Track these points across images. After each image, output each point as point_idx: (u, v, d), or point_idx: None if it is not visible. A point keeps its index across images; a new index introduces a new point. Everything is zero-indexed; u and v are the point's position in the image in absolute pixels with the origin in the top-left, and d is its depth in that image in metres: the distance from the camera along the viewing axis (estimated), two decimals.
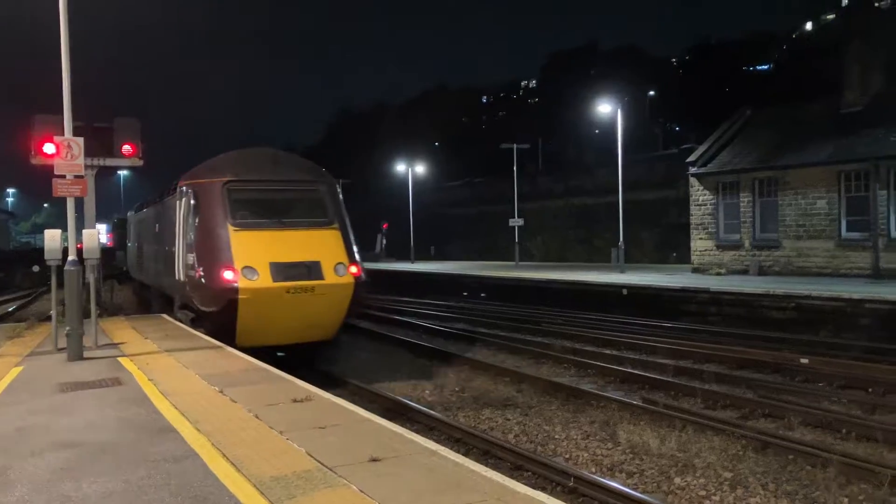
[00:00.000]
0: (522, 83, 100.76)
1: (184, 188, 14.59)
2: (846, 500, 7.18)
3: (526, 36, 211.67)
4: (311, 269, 12.98)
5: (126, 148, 19.61)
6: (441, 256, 56.89)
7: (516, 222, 41.18)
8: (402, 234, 53.69)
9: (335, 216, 13.96)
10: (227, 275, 12.63)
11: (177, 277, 15.19)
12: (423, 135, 73.17)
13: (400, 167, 55.15)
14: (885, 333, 16.50)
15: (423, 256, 54.85)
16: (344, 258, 13.45)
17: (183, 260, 14.51)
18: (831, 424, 9.62)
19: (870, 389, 11.65)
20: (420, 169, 55.14)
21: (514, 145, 41.97)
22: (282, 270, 12.76)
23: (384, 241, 59.31)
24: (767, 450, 8.65)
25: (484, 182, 59.91)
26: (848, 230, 24.43)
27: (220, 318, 13.14)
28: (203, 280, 13.15)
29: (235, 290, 12.55)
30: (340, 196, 14.65)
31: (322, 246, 13.38)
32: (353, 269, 13.48)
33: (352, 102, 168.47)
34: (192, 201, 14.01)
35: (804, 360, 13.69)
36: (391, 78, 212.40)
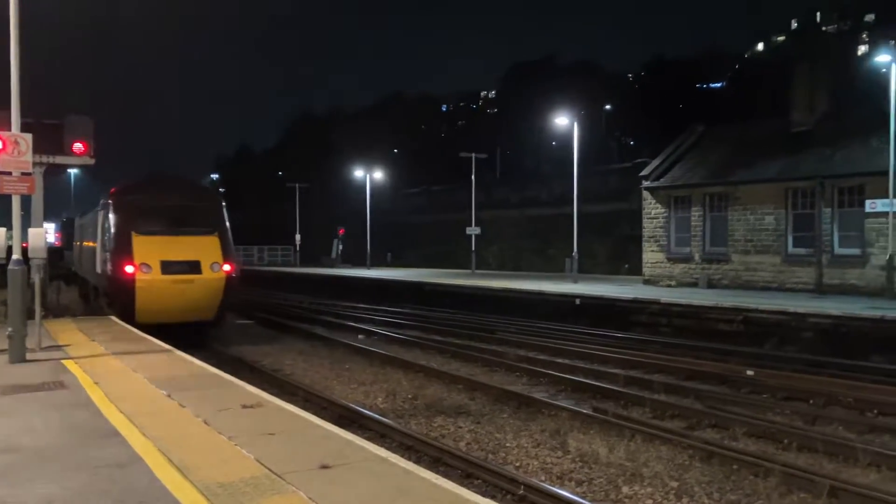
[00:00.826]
0: (482, 93, 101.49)
1: (105, 202, 18.84)
2: None
3: (486, 46, 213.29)
4: (191, 266, 17.12)
5: (77, 146, 19.12)
6: (398, 263, 56.76)
7: (473, 231, 41.33)
8: (359, 241, 53.48)
9: (215, 226, 18.07)
10: (129, 269, 16.66)
11: (98, 270, 19.21)
12: (381, 141, 73.06)
13: (358, 173, 54.95)
14: (826, 347, 17.00)
15: (380, 263, 54.66)
16: (219, 258, 17.52)
17: (101, 257, 18.62)
18: (774, 435, 9.85)
19: (811, 401, 11.97)
20: (378, 175, 55.01)
21: (473, 154, 42.17)
22: (169, 266, 16.85)
23: (340, 247, 58.98)
24: (713, 459, 8.82)
25: (442, 190, 60.02)
26: (794, 246, 25.11)
27: (123, 301, 17.15)
28: (112, 273, 17.19)
29: (133, 281, 16.62)
30: (224, 211, 18.85)
31: (202, 248, 17.46)
32: (227, 267, 17.63)
33: (310, 106, 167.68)
34: (109, 213, 17.97)
35: (750, 372, 14.01)
36: (350, 82, 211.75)
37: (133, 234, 17.08)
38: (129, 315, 16.98)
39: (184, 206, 18.23)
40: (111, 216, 17.81)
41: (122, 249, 16.99)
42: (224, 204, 19.26)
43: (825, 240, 23.95)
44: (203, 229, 17.82)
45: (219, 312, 18.23)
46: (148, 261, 16.74)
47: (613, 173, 45.24)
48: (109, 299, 18.67)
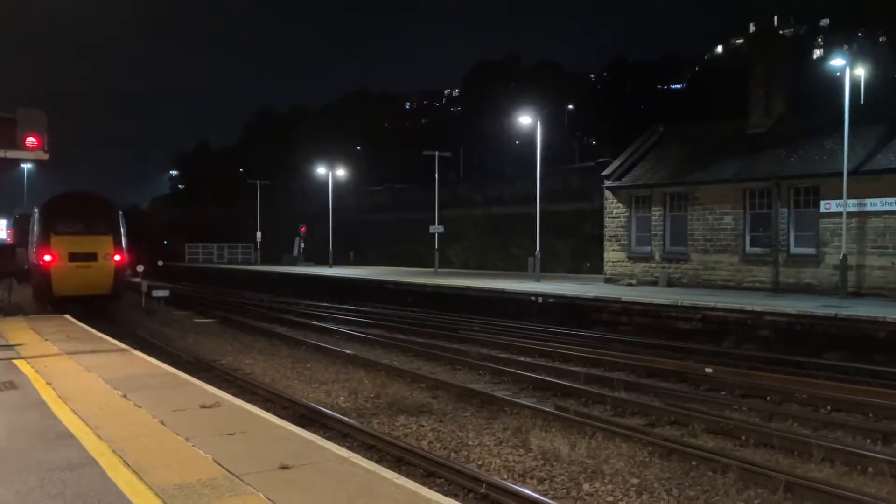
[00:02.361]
0: (445, 92, 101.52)
1: (35, 211, 27.06)
2: None
3: (451, 45, 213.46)
4: (90, 256, 24.20)
5: (30, 140, 18.61)
6: (360, 262, 56.46)
7: (436, 229, 41.28)
8: (321, 239, 53.07)
9: (111, 230, 25.06)
10: (47, 258, 23.72)
11: (31, 260, 26.14)
12: (344, 139, 72.58)
13: (320, 171, 54.50)
14: (782, 344, 17.34)
15: (342, 262, 54.33)
16: (111, 252, 24.64)
17: (32, 250, 25.91)
18: (732, 431, 10.00)
19: (767, 398, 12.19)
20: (341, 173, 54.63)
21: (436, 153, 42.13)
22: (75, 256, 23.93)
23: (302, 245, 58.45)
24: (672, 456, 8.91)
25: (405, 188, 59.86)
26: (751, 245, 25.56)
27: (44, 280, 24.21)
28: (36, 260, 24.41)
29: (50, 266, 23.73)
30: (119, 219, 25.74)
31: (99, 245, 24.54)
32: (117, 258, 24.77)
33: (272, 104, 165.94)
34: (37, 219, 25.64)
35: (708, 370, 14.21)
36: (312, 79, 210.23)
37: (52, 234, 24.17)
38: (48, 290, 24.10)
39: (88, 215, 25.14)
40: (39, 222, 25.22)
41: (44, 245, 24.06)
42: (121, 213, 26.46)
43: (781, 240, 24.41)
44: (101, 231, 24.93)
45: (113, 289, 25.29)
46: (60, 252, 23.89)
47: (576, 173, 45.65)
48: (36, 279, 26.14)
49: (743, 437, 9.74)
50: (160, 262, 51.95)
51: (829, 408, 11.52)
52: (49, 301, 24.44)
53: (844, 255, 22.05)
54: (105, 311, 24.67)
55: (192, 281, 49.62)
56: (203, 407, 8.06)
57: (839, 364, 15.17)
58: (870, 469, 8.35)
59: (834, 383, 12.97)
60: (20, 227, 50.56)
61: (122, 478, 5.62)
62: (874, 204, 22.17)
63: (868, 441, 9.71)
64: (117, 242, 25.23)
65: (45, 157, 19.78)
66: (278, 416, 8.60)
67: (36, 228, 25.69)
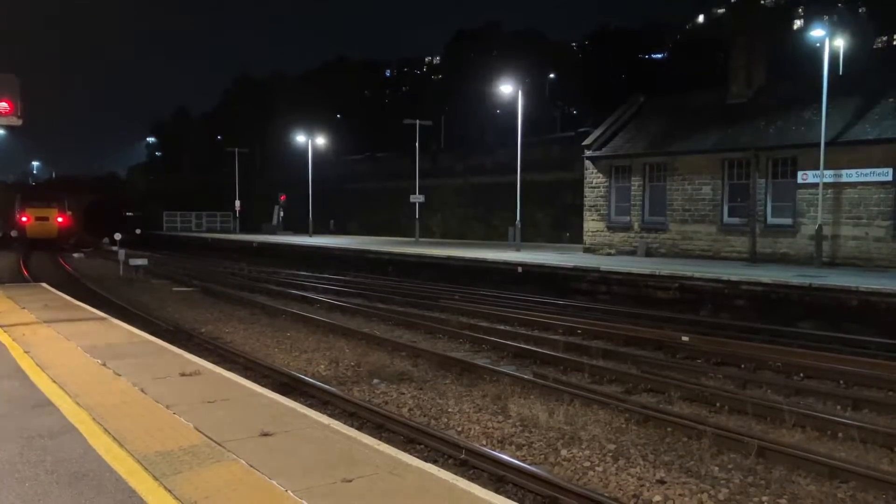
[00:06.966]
0: (426, 59, 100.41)
1: (17, 195, 57.62)
2: (716, 468, 7.65)
3: (430, 10, 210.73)
4: (46, 218, 52.44)
5: (2, 105, 18.25)
6: (340, 231, 56.28)
7: (417, 199, 41.16)
8: (301, 207, 52.74)
9: (59, 205, 53.65)
10: (24, 219, 52.33)
11: (14, 220, 54.86)
12: (323, 106, 71.77)
13: (300, 138, 54.00)
14: (757, 313, 17.62)
15: (322, 230, 54.12)
16: (56, 216, 52.90)
17: (15, 215, 54.92)
18: (707, 398, 10.19)
19: (742, 366, 12.41)
20: (321, 141, 54.14)
21: (417, 121, 41.83)
22: (38, 219, 52.28)
23: (282, 214, 58.09)
24: (648, 423, 9.08)
25: (386, 157, 59.46)
26: (729, 216, 25.80)
27: (22, 230, 51.85)
28: (18, 220, 53.60)
29: (25, 224, 52.37)
30: (64, 199, 54.81)
31: (50, 212, 52.90)
32: (60, 219, 53.02)
33: (250, 70, 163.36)
34: (18, 199, 55.63)
35: (685, 338, 14.41)
36: (291, 45, 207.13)
37: (27, 207, 51.47)
38: (24, 236, 49.68)
39: (45, 196, 54.27)
40: (19, 201, 52.86)
41: (22, 213, 51.18)
42: (65, 196, 54.19)
43: (759, 210, 24.65)
44: (52, 206, 52.29)
45: (58, 235, 50.99)
46: (30, 216, 51.06)
47: (557, 143, 45.51)
48: (17, 231, 50.25)
49: (718, 404, 9.93)
50: (138, 231, 52.15)
51: (801, 375, 11.76)
52: (25, 242, 47.33)
53: (820, 226, 22.32)
54: (51, 252, 42.56)
55: (171, 249, 49.29)
56: (183, 375, 8.07)
57: (813, 332, 15.45)
58: (840, 434, 8.56)
59: (807, 351, 13.22)
60: (2, 198, 61.02)
61: (103, 445, 5.63)
62: (850, 175, 22.42)
63: (838, 407, 9.94)
64: (61, 211, 51.98)
65: (19, 123, 19.36)
66: (259, 384, 8.64)
67: (17, 204, 52.18)
